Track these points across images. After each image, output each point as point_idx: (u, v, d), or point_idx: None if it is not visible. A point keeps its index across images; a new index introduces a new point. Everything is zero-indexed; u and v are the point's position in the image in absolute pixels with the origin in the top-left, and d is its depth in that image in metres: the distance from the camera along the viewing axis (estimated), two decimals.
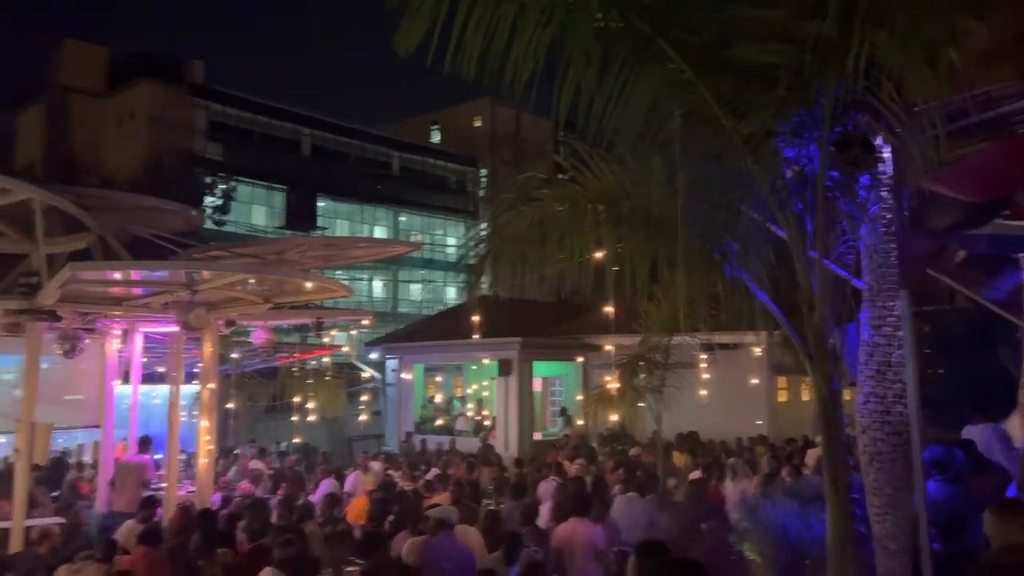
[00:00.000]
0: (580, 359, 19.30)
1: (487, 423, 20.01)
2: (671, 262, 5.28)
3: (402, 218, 46.09)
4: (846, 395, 5.04)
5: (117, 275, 8.55)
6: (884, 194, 4.54)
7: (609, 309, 11.42)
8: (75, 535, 8.63)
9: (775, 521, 6.23)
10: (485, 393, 20.94)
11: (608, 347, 14.95)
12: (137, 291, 9.77)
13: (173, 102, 36.16)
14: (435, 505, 7.86)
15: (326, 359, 19.69)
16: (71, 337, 9.61)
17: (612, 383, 11.25)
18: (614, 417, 13.04)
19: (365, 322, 13.17)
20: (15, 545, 8.42)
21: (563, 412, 20.64)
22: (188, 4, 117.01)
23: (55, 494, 12.06)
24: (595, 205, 5.67)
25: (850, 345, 4.85)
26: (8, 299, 8.61)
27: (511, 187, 6.19)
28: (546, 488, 10.32)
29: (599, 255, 5.97)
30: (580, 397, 18.39)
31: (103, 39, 42.99)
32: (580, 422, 18.11)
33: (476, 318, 12.18)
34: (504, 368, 18.95)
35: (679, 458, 14.06)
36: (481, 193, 48.87)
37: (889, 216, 4.53)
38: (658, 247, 5.37)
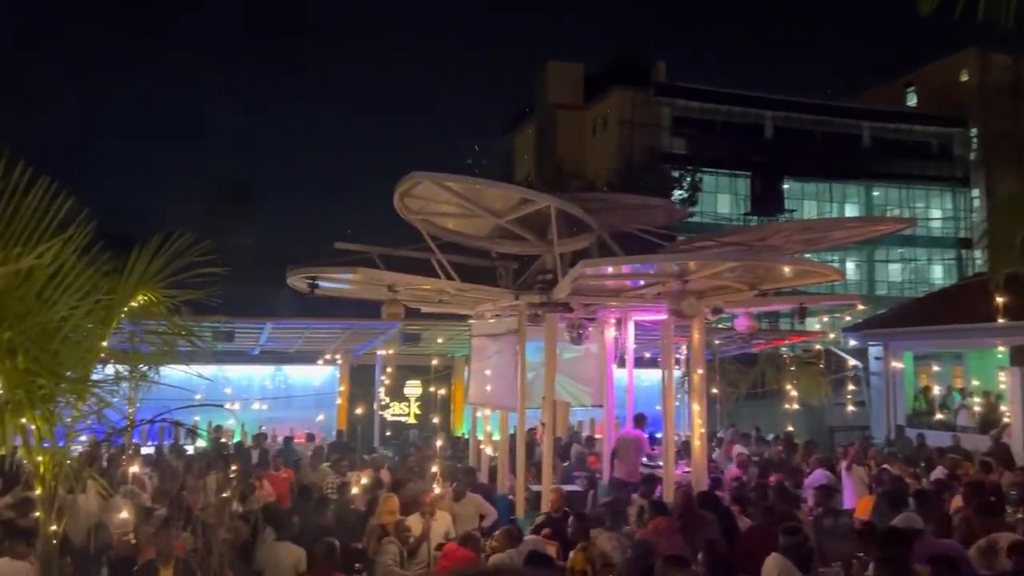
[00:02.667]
0: None
1: (1005, 419, 17.36)
2: None
3: (875, 193, 42.56)
4: None
5: (621, 269, 9.35)
6: None
7: None
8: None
9: None
10: (1003, 385, 18.14)
11: None
12: (629, 283, 10.61)
13: (640, 104, 38.61)
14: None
15: (811, 346, 19.10)
16: (577, 326, 10.84)
17: None
18: None
19: (860, 307, 12.40)
20: (544, 505, 9.76)
21: None
22: (651, 9, 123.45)
23: (565, 464, 13.75)
24: None
25: None
26: (530, 294, 10.03)
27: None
28: None
29: None
30: None
31: (577, 56, 47.54)
32: None
33: (1000, 299, 10.63)
34: (1018, 356, 16.27)
35: None
36: (972, 156, 42.64)
37: None
38: None
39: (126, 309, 5.04)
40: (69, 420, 4.42)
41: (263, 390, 18.75)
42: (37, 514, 4.49)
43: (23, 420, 4.09)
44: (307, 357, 18.33)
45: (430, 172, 8.25)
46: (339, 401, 18.48)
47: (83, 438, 5.40)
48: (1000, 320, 12.21)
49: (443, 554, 7.47)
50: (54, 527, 4.39)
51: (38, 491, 4.41)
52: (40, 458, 4.26)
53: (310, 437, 16.67)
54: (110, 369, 5.00)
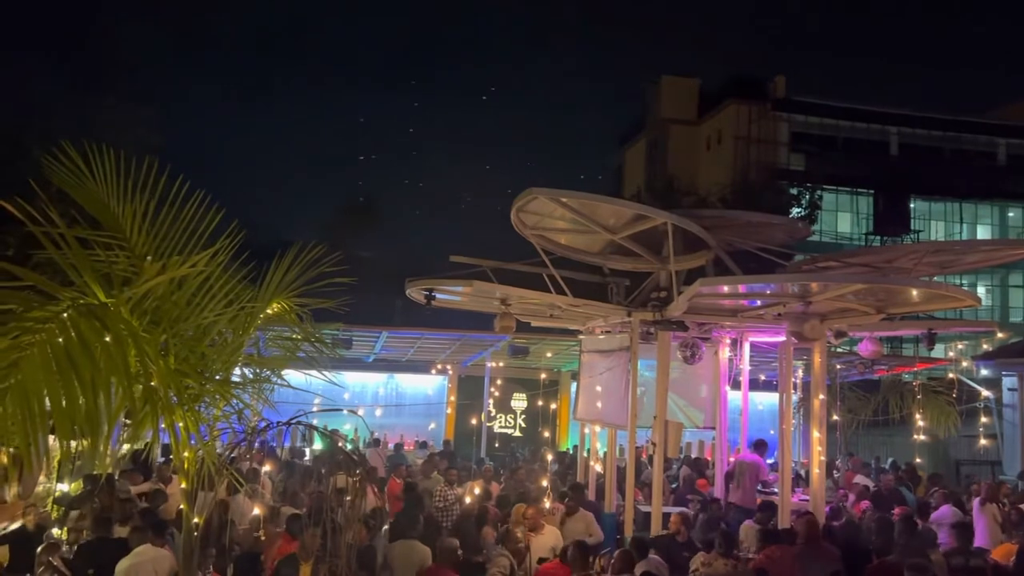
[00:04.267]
0: None
1: None
2: None
3: (1011, 213, 40.01)
4: None
5: (738, 288, 9.15)
6: None
7: None
8: (711, 527, 9.42)
9: None
10: None
11: None
12: (747, 302, 10.34)
13: (757, 119, 37.70)
14: None
15: (941, 374, 18.09)
16: (691, 345, 10.65)
17: None
18: None
19: (1000, 335, 11.67)
20: (654, 528, 9.62)
21: None
22: (773, 23, 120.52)
23: (673, 486, 13.50)
24: None
25: None
26: (643, 311, 9.93)
27: None
28: None
29: None
30: None
31: (694, 70, 47.14)
32: None
33: None
34: None
35: None
36: None
37: None
38: None
39: (262, 316, 5.33)
40: (211, 419, 4.70)
41: (376, 397, 19.31)
42: (181, 506, 4.79)
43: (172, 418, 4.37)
44: (418, 366, 18.77)
45: (546, 188, 8.31)
46: (448, 411, 18.82)
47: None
48: None
49: (541, 570, 7.46)
50: (196, 520, 4.67)
51: (182, 485, 4.71)
52: (186, 454, 4.54)
53: (421, 444, 17.02)
54: (239, 372, 5.30)
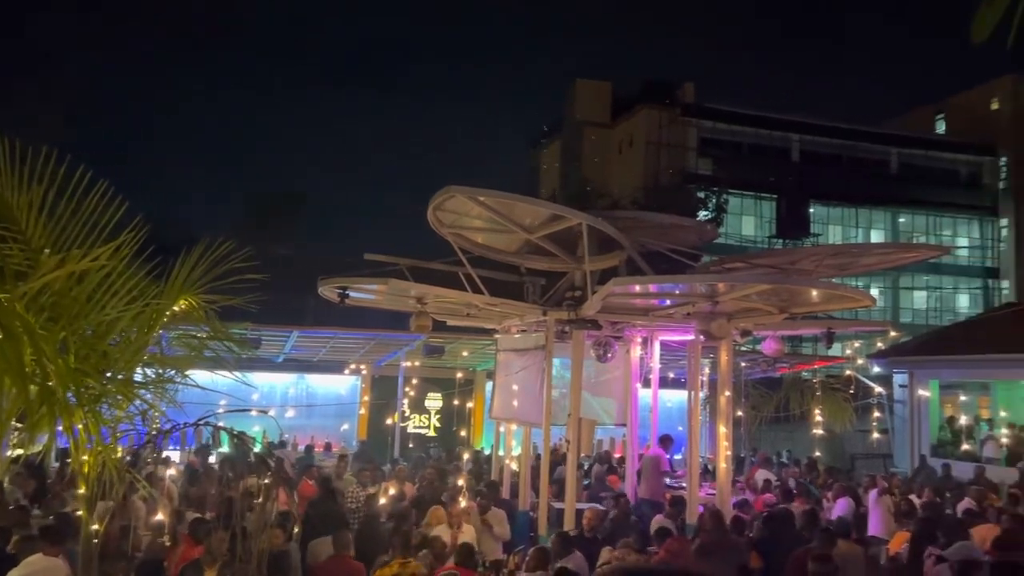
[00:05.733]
0: None
1: None
2: None
3: (901, 219, 42.28)
4: None
5: (650, 288, 9.35)
6: None
7: None
8: (624, 523, 9.59)
9: None
10: None
11: None
12: (657, 302, 10.59)
13: (668, 124, 38.67)
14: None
15: (838, 372, 18.96)
16: (604, 344, 10.83)
17: None
18: None
19: (893, 333, 12.30)
20: (567, 523, 9.73)
21: None
22: (683, 33, 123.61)
23: (586, 483, 13.68)
24: None
25: None
26: (558, 310, 10.04)
27: None
28: None
29: None
30: None
31: (606, 76, 48.05)
32: None
33: None
34: None
35: None
36: (1002, 185, 42.26)
37: None
38: None
39: (168, 314, 5.14)
40: (113, 420, 4.50)
41: (285, 398, 18.87)
42: (79, 512, 4.56)
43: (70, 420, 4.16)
44: (331, 366, 18.44)
45: (464, 186, 8.31)
46: (361, 411, 18.55)
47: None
48: None
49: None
50: (95, 527, 4.46)
51: (81, 490, 4.49)
52: (86, 457, 4.33)
53: (327, 447, 16.73)
54: (142, 372, 5.10)
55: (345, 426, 18.22)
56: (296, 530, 7.36)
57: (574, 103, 44.71)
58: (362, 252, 10.72)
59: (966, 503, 11.34)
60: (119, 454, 4.65)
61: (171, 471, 9.35)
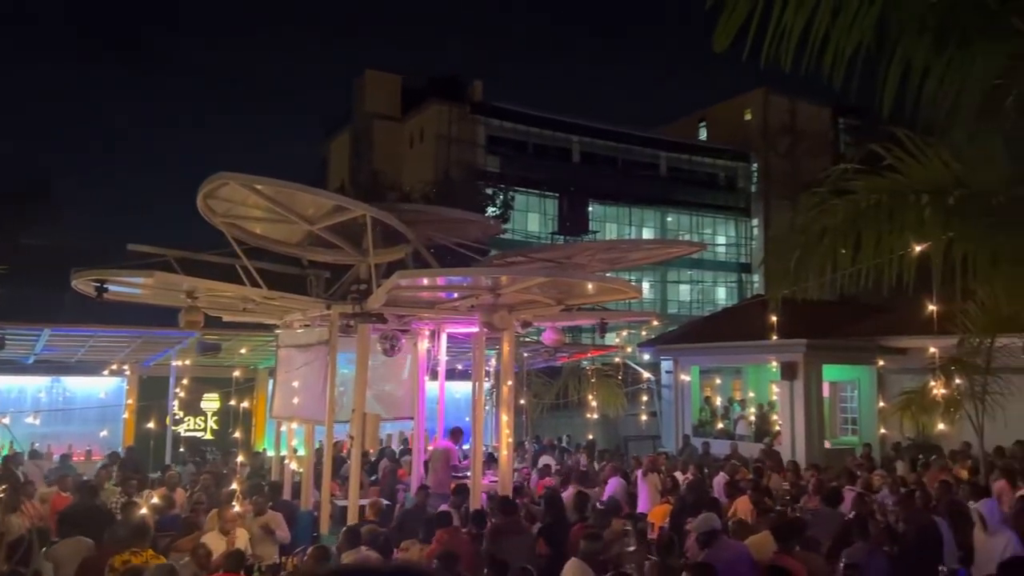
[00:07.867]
0: (880, 363, 17.68)
1: (776, 428, 19.22)
2: (1017, 256, 4.74)
3: (669, 218, 45.81)
4: None
5: (436, 281, 9.40)
6: None
7: (933, 308, 9.98)
8: (416, 514, 9.58)
9: None
10: (775, 397, 20.10)
11: (921, 349, 13.58)
12: (443, 295, 10.69)
13: (457, 121, 39.17)
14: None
15: (610, 359, 20.11)
16: (391, 337, 10.75)
17: (932, 388, 10.24)
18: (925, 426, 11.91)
19: (655, 323, 13.24)
20: (351, 519, 9.56)
21: None
22: (471, 28, 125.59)
23: (373, 478, 13.56)
24: (918, 196, 5.25)
25: None
26: (343, 304, 9.83)
27: (820, 179, 5.89)
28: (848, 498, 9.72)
29: (917, 250, 5.50)
30: (882, 404, 16.91)
31: (397, 68, 47.70)
32: (883, 431, 16.77)
33: (774, 319, 11.75)
34: (788, 371, 18.08)
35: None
36: (753, 188, 47.08)
37: None
38: (999, 240, 4.84)
39: None
40: None
41: (37, 403, 16.99)
42: None
43: None
44: (91, 367, 16.83)
45: (238, 173, 7.90)
46: (126, 415, 17.12)
47: None
48: (773, 338, 13.53)
49: None
50: None
51: None
52: None
53: (88, 455, 15.30)
54: None
55: (104, 432, 16.70)
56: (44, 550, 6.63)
57: (364, 94, 44.05)
58: (126, 243, 9.87)
59: (721, 477, 12.52)
60: None
61: None
